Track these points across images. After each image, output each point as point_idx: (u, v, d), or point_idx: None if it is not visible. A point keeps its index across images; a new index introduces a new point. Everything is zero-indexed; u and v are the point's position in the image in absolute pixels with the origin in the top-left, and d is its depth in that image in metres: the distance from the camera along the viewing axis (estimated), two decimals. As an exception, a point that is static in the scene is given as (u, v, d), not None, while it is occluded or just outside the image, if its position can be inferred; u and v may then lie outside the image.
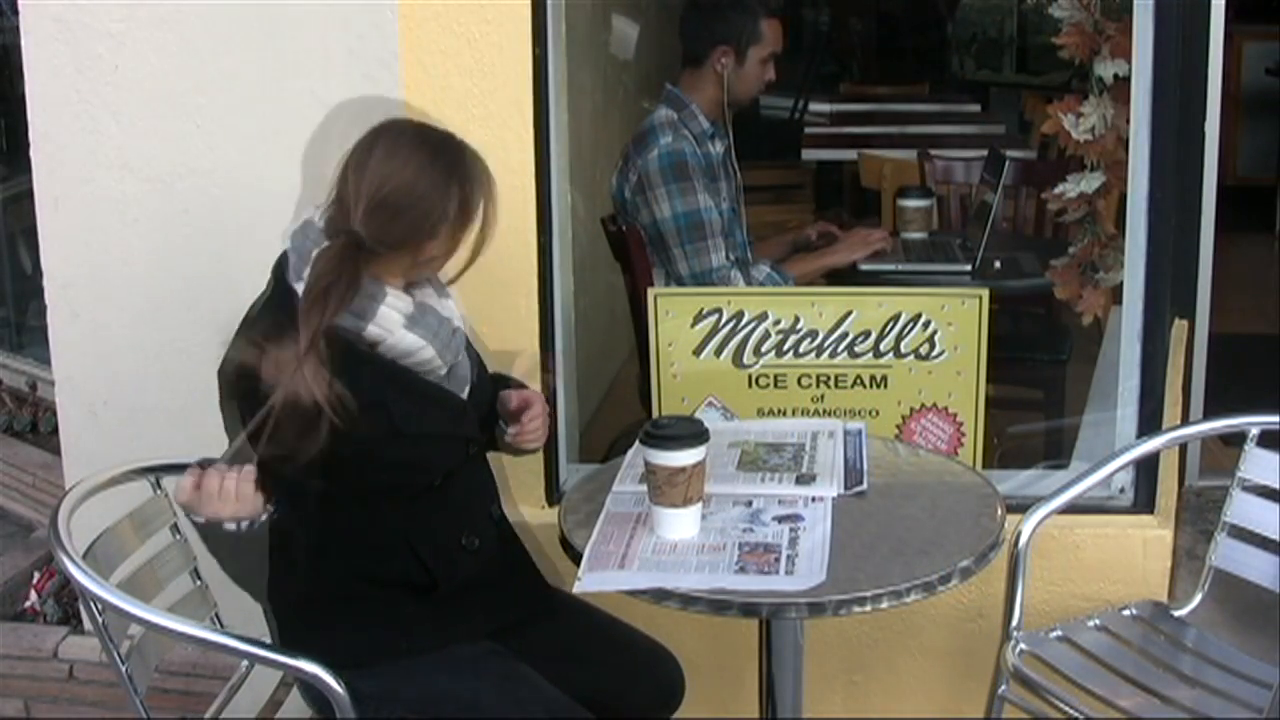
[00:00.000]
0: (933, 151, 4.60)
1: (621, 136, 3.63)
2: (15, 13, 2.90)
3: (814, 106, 6.46)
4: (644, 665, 2.34)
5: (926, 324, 2.80)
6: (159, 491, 2.44)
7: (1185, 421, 2.92)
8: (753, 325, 2.83)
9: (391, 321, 2.08)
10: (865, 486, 2.26)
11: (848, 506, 2.19)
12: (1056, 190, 2.96)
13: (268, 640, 2.15)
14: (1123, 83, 2.78)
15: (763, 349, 2.84)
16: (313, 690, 2.11)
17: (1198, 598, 2.58)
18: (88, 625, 3.19)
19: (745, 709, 2.64)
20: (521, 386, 2.39)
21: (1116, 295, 2.91)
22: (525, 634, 2.25)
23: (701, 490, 2.09)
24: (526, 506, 2.86)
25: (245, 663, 2.44)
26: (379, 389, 2.07)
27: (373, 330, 2.07)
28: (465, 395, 2.22)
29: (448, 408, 2.18)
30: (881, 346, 2.82)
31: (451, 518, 2.20)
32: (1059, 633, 2.51)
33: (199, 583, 2.47)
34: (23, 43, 2.90)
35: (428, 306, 2.15)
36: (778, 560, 2.01)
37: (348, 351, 2.03)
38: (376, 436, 2.06)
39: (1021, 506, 2.50)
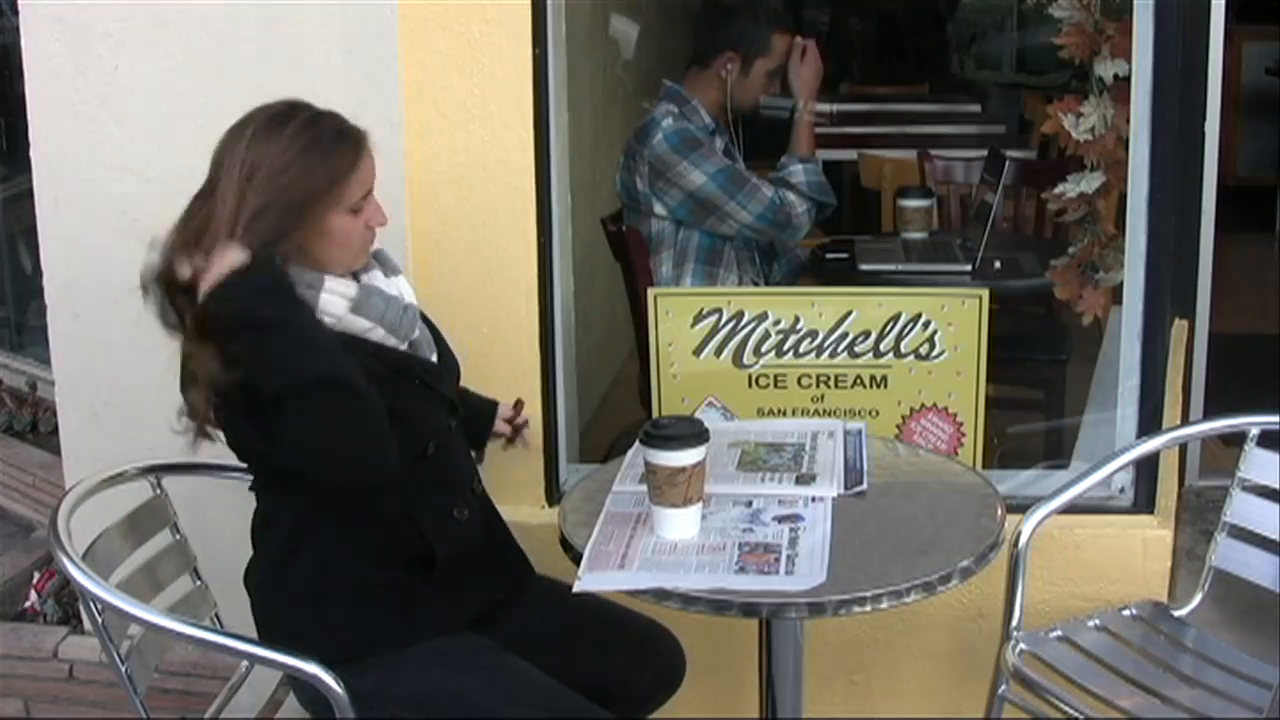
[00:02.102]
0: (933, 151, 4.59)
1: (621, 136, 3.62)
2: (15, 13, 2.91)
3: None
4: (644, 646, 2.34)
5: (926, 324, 2.80)
6: (159, 491, 2.44)
7: (1185, 421, 2.92)
8: (753, 325, 2.83)
9: (337, 307, 2.09)
10: (865, 486, 2.26)
11: (848, 506, 2.19)
12: (1056, 190, 2.95)
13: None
14: (1123, 83, 2.78)
15: (763, 349, 2.84)
16: (308, 691, 2.11)
17: (1198, 598, 2.58)
18: (88, 625, 3.19)
19: (745, 709, 2.64)
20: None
21: (1116, 295, 2.91)
22: (524, 624, 2.26)
23: (701, 490, 2.09)
24: (526, 506, 2.85)
25: (245, 663, 2.44)
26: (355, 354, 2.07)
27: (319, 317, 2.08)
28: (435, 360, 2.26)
29: (421, 369, 2.20)
30: (881, 346, 2.82)
31: (442, 490, 2.20)
32: (1059, 633, 2.51)
33: (199, 583, 2.46)
34: (23, 43, 2.90)
35: (373, 289, 2.15)
36: (778, 560, 2.00)
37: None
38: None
39: (1021, 506, 2.50)
